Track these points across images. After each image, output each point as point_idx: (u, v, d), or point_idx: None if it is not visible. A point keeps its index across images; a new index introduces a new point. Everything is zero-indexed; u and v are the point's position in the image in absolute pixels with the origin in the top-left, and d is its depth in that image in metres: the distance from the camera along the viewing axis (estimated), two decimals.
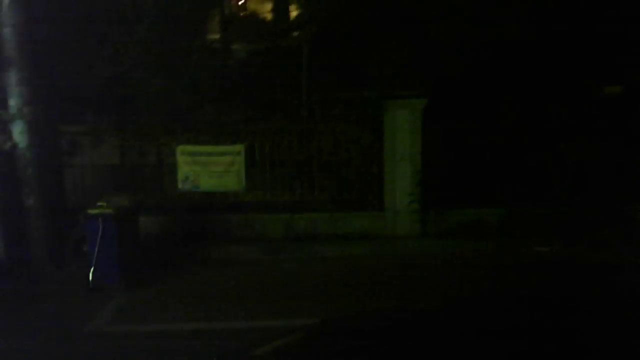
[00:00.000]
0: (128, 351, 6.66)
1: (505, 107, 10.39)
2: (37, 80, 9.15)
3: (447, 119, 10.38)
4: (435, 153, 10.37)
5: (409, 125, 10.20)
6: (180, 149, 10.76)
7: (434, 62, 10.75)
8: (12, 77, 9.10)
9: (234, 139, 10.69)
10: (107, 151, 11.40)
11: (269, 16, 11.47)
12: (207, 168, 10.75)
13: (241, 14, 11.57)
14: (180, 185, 10.88)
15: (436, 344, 3.18)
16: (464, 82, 10.78)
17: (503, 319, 3.37)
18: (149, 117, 10.77)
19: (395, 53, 10.86)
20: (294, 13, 11.73)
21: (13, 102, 9.16)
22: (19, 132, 9.22)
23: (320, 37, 11.28)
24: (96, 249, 8.55)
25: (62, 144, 10.82)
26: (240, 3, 11.83)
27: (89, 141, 11.36)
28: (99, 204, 8.84)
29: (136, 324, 7.42)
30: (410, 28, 10.96)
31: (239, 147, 10.68)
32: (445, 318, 3.50)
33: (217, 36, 11.84)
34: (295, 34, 11.34)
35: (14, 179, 9.37)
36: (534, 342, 3.03)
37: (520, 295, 3.95)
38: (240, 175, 10.73)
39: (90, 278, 8.53)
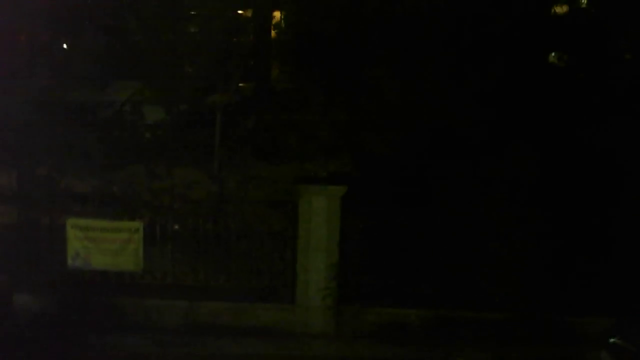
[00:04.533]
0: None
1: (437, 195, 9.39)
2: None
3: (370, 205, 9.36)
4: (355, 242, 9.37)
5: (325, 214, 9.17)
6: (70, 222, 9.57)
7: (359, 139, 9.80)
8: None
9: (132, 214, 9.56)
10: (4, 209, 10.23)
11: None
12: (100, 245, 9.56)
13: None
14: (70, 262, 9.66)
15: None
16: (393, 161, 9.80)
17: None
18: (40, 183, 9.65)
19: (317, 127, 9.87)
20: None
21: None
22: None
23: (237, 103, 10.27)
24: None
25: None
26: None
27: None
28: None
29: None
30: (336, 99, 9.99)
31: (137, 224, 9.52)
32: None
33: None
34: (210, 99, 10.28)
35: None
36: None
37: None
38: (138, 255, 9.56)
39: None
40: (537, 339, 8.96)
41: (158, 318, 9.53)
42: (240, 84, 11.18)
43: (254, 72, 11.20)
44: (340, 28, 9.98)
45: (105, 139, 10.18)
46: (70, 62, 10.27)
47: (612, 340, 7.93)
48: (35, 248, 9.79)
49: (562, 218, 9.14)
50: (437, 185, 9.41)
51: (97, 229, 9.57)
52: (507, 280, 9.16)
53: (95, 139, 10.07)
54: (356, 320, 9.38)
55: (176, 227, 9.64)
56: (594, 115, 10.07)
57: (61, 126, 10.02)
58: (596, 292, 9.07)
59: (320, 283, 9.31)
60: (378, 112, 9.80)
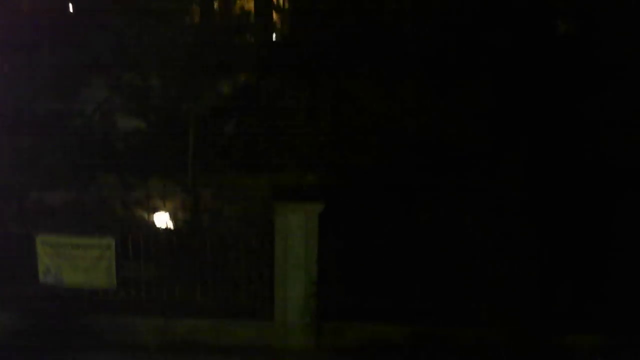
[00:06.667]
0: None
1: (420, 209, 9.04)
2: None
3: (350, 219, 9.03)
4: (335, 258, 9.03)
5: (303, 231, 8.86)
6: (40, 238, 9.23)
7: (341, 151, 9.44)
8: None
9: (104, 228, 9.22)
10: None
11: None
12: (72, 262, 9.24)
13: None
14: (41, 278, 9.34)
15: None
16: (375, 174, 9.43)
17: None
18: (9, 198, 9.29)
19: (298, 136, 9.49)
20: None
21: None
22: None
23: (213, 108, 9.86)
24: None
25: None
26: None
27: None
28: None
29: None
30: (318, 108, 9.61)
31: (109, 241, 9.18)
32: None
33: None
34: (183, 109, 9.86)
35: None
36: None
37: None
38: (110, 272, 9.24)
39: None
40: (524, 357, 8.70)
41: (134, 336, 9.22)
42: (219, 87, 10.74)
43: (232, 76, 10.72)
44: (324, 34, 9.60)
45: (75, 149, 9.77)
46: (36, 70, 9.82)
47: None
48: (6, 265, 9.48)
49: (550, 233, 8.83)
50: (420, 199, 9.06)
51: (67, 246, 9.26)
52: (493, 295, 8.88)
53: (66, 150, 9.67)
54: (337, 337, 9.11)
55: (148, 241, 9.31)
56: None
57: (30, 137, 9.63)
58: (585, 309, 8.78)
59: (299, 300, 9.03)
60: (361, 123, 9.41)
